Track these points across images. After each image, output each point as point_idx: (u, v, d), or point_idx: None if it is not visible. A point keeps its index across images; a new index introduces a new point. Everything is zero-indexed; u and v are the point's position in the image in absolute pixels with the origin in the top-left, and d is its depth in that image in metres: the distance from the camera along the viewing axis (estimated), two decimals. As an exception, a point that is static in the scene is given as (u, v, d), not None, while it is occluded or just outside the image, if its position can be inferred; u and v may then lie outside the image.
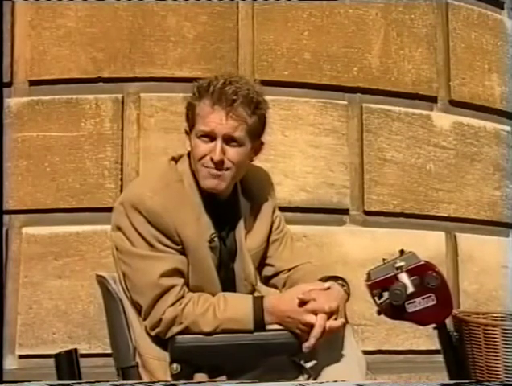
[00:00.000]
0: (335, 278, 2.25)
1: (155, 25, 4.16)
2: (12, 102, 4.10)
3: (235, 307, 2.16)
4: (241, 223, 2.31)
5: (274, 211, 2.43)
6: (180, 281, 2.19)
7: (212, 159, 2.18)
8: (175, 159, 2.31)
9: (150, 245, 2.17)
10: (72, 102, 4.10)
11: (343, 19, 4.36)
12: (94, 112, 4.09)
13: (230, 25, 4.23)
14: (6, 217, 3.99)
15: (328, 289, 2.18)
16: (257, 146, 2.28)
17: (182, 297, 2.18)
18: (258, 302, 2.16)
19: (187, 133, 2.27)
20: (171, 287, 2.17)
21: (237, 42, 4.22)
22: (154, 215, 2.16)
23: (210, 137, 2.18)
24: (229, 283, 2.28)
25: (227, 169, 2.20)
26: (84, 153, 4.05)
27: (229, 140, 2.18)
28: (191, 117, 2.23)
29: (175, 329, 2.17)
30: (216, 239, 2.25)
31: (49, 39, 4.14)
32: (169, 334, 2.18)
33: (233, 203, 2.31)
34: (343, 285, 2.24)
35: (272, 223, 2.41)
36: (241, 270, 2.30)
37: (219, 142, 2.18)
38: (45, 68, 4.14)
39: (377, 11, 4.43)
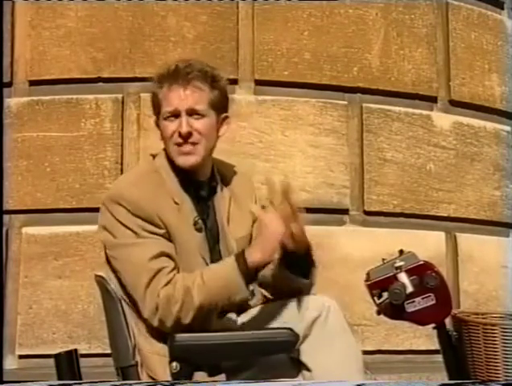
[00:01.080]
0: None
1: (155, 25, 4.16)
2: (12, 102, 4.10)
3: (219, 266, 2.21)
4: (222, 204, 2.36)
5: (257, 203, 2.46)
6: (170, 263, 2.21)
7: (180, 134, 2.27)
8: (153, 156, 2.39)
9: (135, 233, 2.22)
10: (72, 102, 4.10)
11: (343, 19, 4.36)
12: (94, 112, 4.09)
13: (230, 25, 4.23)
14: (6, 217, 3.99)
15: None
16: (222, 119, 2.36)
17: (173, 279, 2.19)
18: (240, 253, 2.19)
19: (158, 125, 2.35)
20: (161, 269, 2.19)
21: (237, 42, 4.23)
22: (134, 204, 2.22)
23: (175, 115, 2.28)
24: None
25: (196, 143, 2.28)
26: (84, 153, 4.05)
27: (192, 113, 2.28)
28: (156, 106, 2.33)
29: (174, 308, 2.15)
30: (200, 221, 2.29)
31: (49, 39, 4.14)
32: (170, 318, 2.15)
33: (212, 185, 2.37)
34: None
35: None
36: (225, 249, 2.33)
37: (184, 117, 2.27)
38: (45, 68, 4.14)
39: (377, 11, 4.43)
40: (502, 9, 4.93)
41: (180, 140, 2.27)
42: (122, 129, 4.09)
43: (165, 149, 2.34)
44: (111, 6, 4.15)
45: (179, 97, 2.27)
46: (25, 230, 4.01)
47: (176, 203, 2.28)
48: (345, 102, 4.34)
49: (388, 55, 4.43)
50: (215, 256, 2.31)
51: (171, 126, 2.28)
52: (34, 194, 4.03)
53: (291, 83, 4.27)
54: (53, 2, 4.16)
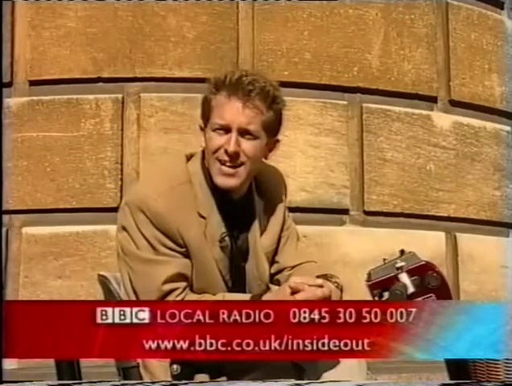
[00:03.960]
0: (329, 276, 2.24)
1: (155, 25, 4.16)
2: (12, 102, 4.10)
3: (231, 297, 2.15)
4: (256, 222, 2.27)
5: (285, 210, 2.39)
6: (182, 284, 2.17)
7: (226, 151, 2.14)
8: (188, 158, 2.27)
9: (154, 248, 2.16)
10: (72, 102, 4.10)
11: (343, 19, 4.36)
12: (94, 112, 4.09)
13: (230, 25, 4.23)
14: (6, 217, 3.99)
15: (321, 286, 2.14)
16: (272, 143, 2.24)
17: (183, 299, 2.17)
18: (256, 296, 2.14)
19: (202, 129, 2.22)
20: (172, 291, 2.15)
21: (237, 42, 4.23)
22: (157, 217, 2.14)
23: (225, 129, 2.14)
24: (239, 283, 2.25)
25: (241, 164, 2.15)
26: (84, 153, 4.05)
27: (244, 133, 2.14)
28: (206, 111, 2.19)
29: None
30: (227, 238, 2.21)
31: (49, 39, 4.14)
32: None
33: (247, 201, 2.27)
34: (336, 284, 2.23)
35: (284, 221, 2.38)
36: (254, 269, 2.26)
37: (234, 134, 2.13)
38: (45, 68, 4.14)
39: (377, 11, 4.43)
40: (502, 9, 4.93)
41: (226, 158, 2.14)
42: (122, 129, 4.09)
43: (203, 153, 2.23)
44: (111, 6, 4.15)
45: (236, 112, 2.13)
46: (25, 230, 4.01)
47: (203, 218, 2.18)
48: (345, 102, 4.34)
49: (388, 55, 4.43)
50: (238, 274, 2.24)
51: (217, 140, 2.14)
52: (34, 194, 4.03)
53: (291, 83, 4.26)
54: (53, 1, 4.16)
